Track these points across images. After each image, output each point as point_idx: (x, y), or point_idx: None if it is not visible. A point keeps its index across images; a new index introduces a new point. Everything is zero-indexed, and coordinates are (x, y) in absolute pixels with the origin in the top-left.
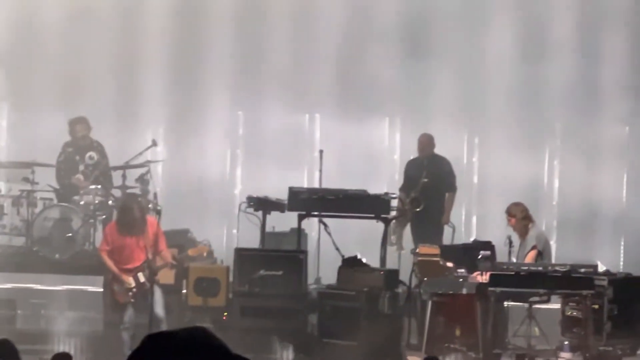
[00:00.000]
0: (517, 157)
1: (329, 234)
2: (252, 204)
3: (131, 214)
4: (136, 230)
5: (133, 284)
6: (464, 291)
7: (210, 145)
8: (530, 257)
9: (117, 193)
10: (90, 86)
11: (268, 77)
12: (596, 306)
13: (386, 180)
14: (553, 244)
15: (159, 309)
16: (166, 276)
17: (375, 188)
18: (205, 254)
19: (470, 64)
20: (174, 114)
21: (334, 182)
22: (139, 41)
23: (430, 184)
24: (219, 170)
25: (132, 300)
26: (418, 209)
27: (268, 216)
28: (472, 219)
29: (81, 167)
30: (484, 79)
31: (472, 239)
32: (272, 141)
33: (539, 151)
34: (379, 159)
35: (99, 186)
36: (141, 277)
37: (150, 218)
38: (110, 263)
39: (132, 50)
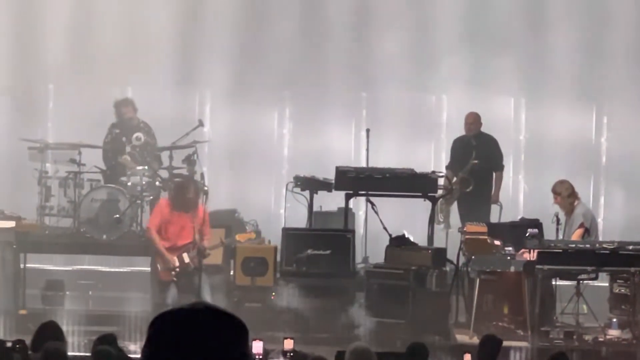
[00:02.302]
0: (566, 128)
1: (376, 213)
2: (299, 183)
3: (186, 192)
4: (188, 209)
5: (177, 263)
6: (512, 269)
7: (257, 124)
8: (577, 235)
9: (164, 174)
10: (140, 65)
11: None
12: None
13: (433, 158)
14: (600, 221)
15: (205, 292)
16: (214, 257)
17: (422, 166)
18: (253, 238)
19: None
20: (223, 93)
21: (381, 161)
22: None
23: (478, 164)
24: (266, 150)
25: (175, 279)
26: (467, 190)
27: (315, 195)
28: (519, 196)
29: (128, 148)
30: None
31: (519, 217)
32: (319, 119)
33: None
34: (426, 137)
35: (146, 167)
36: (186, 258)
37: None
38: (157, 240)
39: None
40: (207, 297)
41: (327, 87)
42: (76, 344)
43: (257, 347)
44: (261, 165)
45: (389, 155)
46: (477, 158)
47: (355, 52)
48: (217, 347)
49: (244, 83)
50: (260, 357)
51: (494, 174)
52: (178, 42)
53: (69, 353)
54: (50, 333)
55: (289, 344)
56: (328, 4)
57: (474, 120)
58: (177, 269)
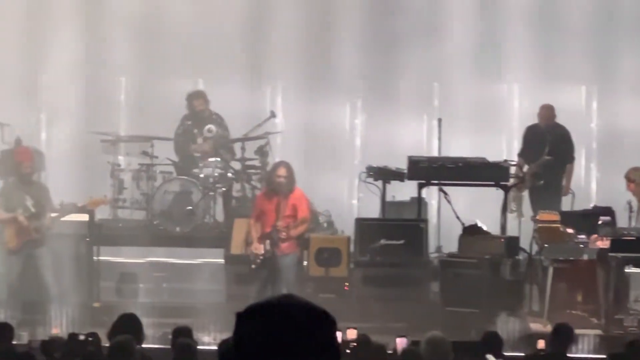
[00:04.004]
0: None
1: (449, 202)
2: (371, 173)
3: (278, 174)
4: (278, 190)
5: (261, 252)
6: (585, 257)
7: (330, 115)
8: None
9: (236, 165)
10: (212, 57)
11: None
12: None
13: (505, 146)
14: None
15: (282, 282)
16: (291, 246)
17: (494, 155)
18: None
19: None
20: (293, 84)
21: (453, 150)
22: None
23: (551, 160)
24: (339, 140)
25: (253, 266)
26: (539, 184)
27: (388, 185)
28: (591, 185)
29: (200, 140)
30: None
31: (591, 205)
32: (391, 109)
33: None
34: (497, 126)
35: (219, 158)
36: (268, 245)
37: (297, 190)
38: (252, 228)
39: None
40: (283, 288)
41: (399, 78)
42: (150, 336)
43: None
44: (334, 156)
45: (461, 145)
46: (550, 151)
47: (427, 43)
48: (307, 340)
49: (316, 74)
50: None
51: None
52: (250, 34)
53: (143, 345)
54: (130, 325)
55: (352, 334)
56: None
57: (547, 113)
58: (261, 257)
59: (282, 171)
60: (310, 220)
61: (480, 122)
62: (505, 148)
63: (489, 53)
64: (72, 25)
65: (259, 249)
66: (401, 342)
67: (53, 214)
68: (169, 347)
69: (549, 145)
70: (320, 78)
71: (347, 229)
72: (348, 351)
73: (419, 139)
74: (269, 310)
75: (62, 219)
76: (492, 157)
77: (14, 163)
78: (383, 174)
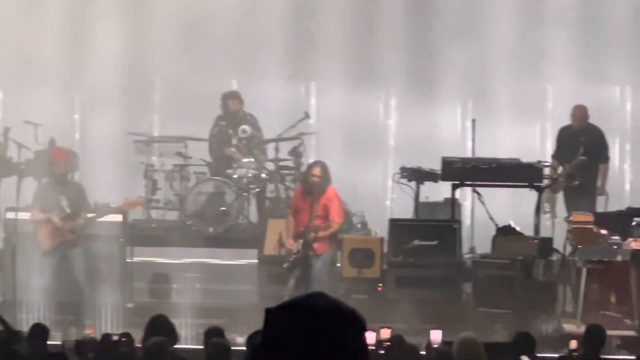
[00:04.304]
0: None
1: (483, 203)
2: (405, 174)
3: (312, 173)
4: (314, 191)
5: (294, 250)
6: (619, 258)
7: (363, 116)
8: None
9: (270, 166)
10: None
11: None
12: None
13: (538, 148)
14: None
15: (314, 282)
16: (323, 246)
17: (528, 156)
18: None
19: None
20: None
21: (486, 151)
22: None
23: (586, 160)
24: (372, 141)
25: (285, 265)
26: (573, 184)
27: (421, 186)
28: (625, 186)
29: (234, 141)
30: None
31: (625, 206)
32: (425, 110)
33: None
34: (531, 127)
35: (252, 159)
36: (300, 244)
37: (331, 189)
38: (289, 225)
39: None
40: (315, 288)
41: (433, 78)
42: (183, 336)
43: (369, 337)
44: (367, 157)
45: (494, 145)
46: (585, 152)
47: (462, 43)
48: (335, 339)
49: (350, 75)
50: (373, 347)
51: (600, 166)
52: (285, 34)
53: (176, 346)
54: (161, 326)
55: (385, 333)
56: None
57: (581, 113)
58: (294, 255)
59: (316, 171)
60: (341, 222)
61: (514, 123)
62: (539, 149)
63: (525, 54)
64: (108, 26)
65: (292, 247)
66: (436, 335)
67: (89, 215)
68: (202, 347)
69: (583, 145)
70: (354, 79)
71: (381, 229)
72: (382, 351)
73: (453, 139)
74: (298, 308)
75: (94, 215)
76: (525, 158)
77: (49, 163)
78: (417, 175)
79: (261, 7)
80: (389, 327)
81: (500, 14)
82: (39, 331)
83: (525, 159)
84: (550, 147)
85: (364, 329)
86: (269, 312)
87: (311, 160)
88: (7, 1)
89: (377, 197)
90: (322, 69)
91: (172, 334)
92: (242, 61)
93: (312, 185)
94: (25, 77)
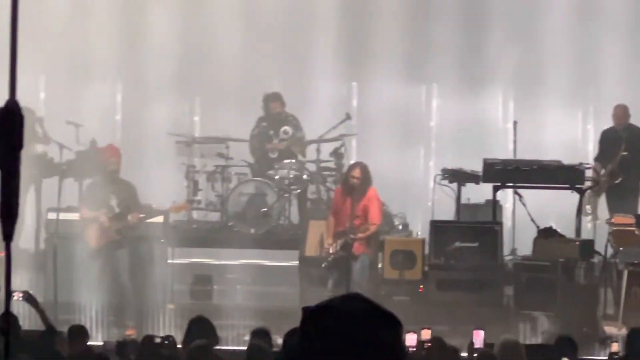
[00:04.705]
0: None
1: (524, 205)
2: (446, 176)
3: (352, 175)
4: (353, 192)
5: (332, 250)
6: None
7: (406, 117)
8: None
9: (311, 167)
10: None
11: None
12: None
13: (580, 150)
14: None
15: (354, 283)
16: (361, 247)
17: (569, 158)
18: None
19: None
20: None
21: (528, 152)
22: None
23: (628, 156)
24: (413, 142)
25: (324, 265)
26: (616, 182)
27: (463, 188)
28: None
29: (275, 142)
30: None
31: None
32: (466, 112)
33: None
34: (571, 130)
35: (294, 160)
36: (339, 245)
37: (371, 190)
38: (329, 225)
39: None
40: (355, 287)
41: (475, 79)
42: (224, 338)
43: (410, 339)
44: (409, 158)
45: (536, 147)
46: (627, 150)
47: (502, 47)
48: (371, 340)
49: (393, 74)
50: (414, 349)
51: None
52: (328, 35)
53: (217, 347)
54: (201, 328)
55: (426, 334)
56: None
57: (622, 113)
58: (331, 257)
59: (356, 172)
60: (379, 224)
61: (556, 124)
62: (581, 151)
63: (571, 56)
64: (152, 27)
65: (331, 246)
66: (478, 335)
67: (140, 215)
68: (243, 348)
69: (624, 142)
70: (396, 77)
71: (422, 231)
72: (422, 352)
73: (495, 141)
74: (335, 309)
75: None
76: (567, 160)
77: (101, 160)
78: (458, 177)
79: (306, 6)
80: (429, 328)
81: (550, 15)
82: (78, 332)
83: (567, 160)
84: (592, 148)
85: (400, 330)
86: (306, 311)
87: (352, 162)
88: (51, 6)
89: (418, 199)
90: (364, 68)
91: (212, 336)
92: (285, 62)
93: (352, 187)
94: (68, 78)
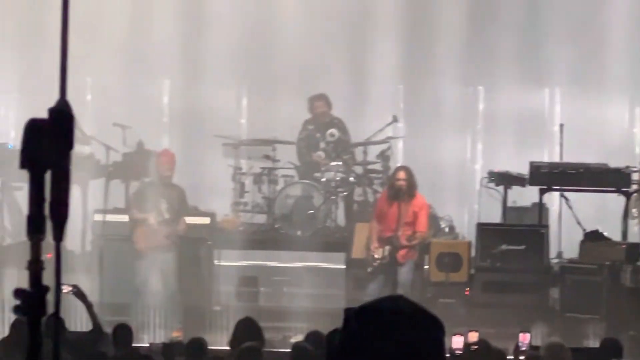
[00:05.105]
0: None
1: (570, 207)
2: (493, 178)
3: (397, 177)
4: (399, 197)
5: (379, 255)
6: None
7: (451, 120)
8: None
9: (358, 170)
10: (331, 62)
11: (506, 50)
12: None
13: (626, 153)
14: None
15: (401, 287)
16: (411, 252)
17: (616, 161)
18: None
19: None
20: (414, 89)
21: (574, 155)
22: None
23: None
24: (460, 145)
25: (370, 269)
26: None
27: (509, 191)
28: None
29: (322, 145)
30: None
31: None
32: (513, 115)
33: None
34: (618, 132)
35: (340, 163)
36: (386, 250)
37: (420, 197)
38: (372, 230)
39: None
40: (401, 293)
41: (520, 83)
42: (270, 340)
43: (457, 342)
44: (455, 160)
45: (582, 150)
46: None
47: (537, 49)
48: (413, 343)
49: (434, 80)
50: (461, 351)
51: None
52: (366, 38)
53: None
54: (248, 330)
55: (473, 337)
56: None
57: None
58: (378, 260)
59: (401, 174)
60: (426, 232)
61: (602, 128)
62: (626, 154)
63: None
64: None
65: (378, 252)
66: (524, 338)
67: (189, 220)
68: (288, 351)
69: None
70: (439, 84)
71: (469, 234)
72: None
73: (540, 144)
74: (377, 311)
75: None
76: (613, 163)
77: (156, 163)
78: (504, 179)
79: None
80: (476, 331)
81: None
82: (124, 332)
83: (614, 163)
84: (639, 152)
85: (442, 333)
86: (348, 312)
87: (398, 164)
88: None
89: (465, 201)
90: (410, 71)
91: (259, 338)
92: (328, 66)
93: (399, 189)
94: (113, 81)
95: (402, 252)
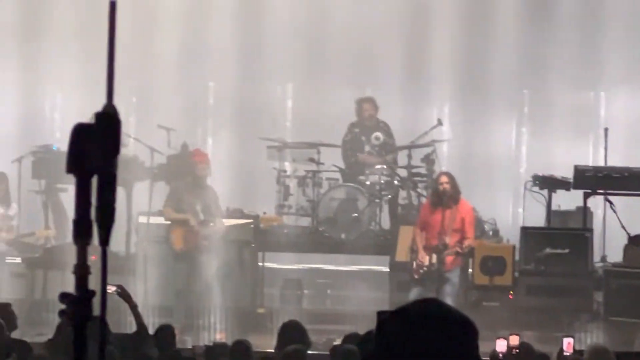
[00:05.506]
0: None
1: (615, 212)
2: (537, 182)
3: (440, 181)
4: (444, 203)
5: (425, 263)
6: None
7: (495, 123)
8: None
9: (402, 173)
10: (377, 66)
11: (554, 54)
12: None
13: None
14: None
15: (446, 294)
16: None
17: None
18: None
19: None
20: (459, 92)
21: (619, 159)
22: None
23: None
24: (504, 149)
25: (416, 276)
26: None
27: (553, 194)
28: None
29: (367, 148)
30: None
31: None
32: (557, 119)
33: None
34: None
35: (385, 166)
36: (434, 258)
37: (466, 203)
38: (417, 237)
39: (419, 28)
40: (448, 300)
41: (564, 87)
42: (313, 343)
43: (500, 345)
44: (500, 164)
45: (627, 154)
46: None
47: (585, 52)
48: (445, 344)
49: (481, 82)
50: (504, 355)
51: None
52: (417, 41)
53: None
54: (293, 333)
55: (514, 340)
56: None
57: None
58: (425, 268)
59: (444, 178)
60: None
61: None
62: None
63: None
64: (235, 31)
65: (424, 259)
66: (568, 342)
67: (233, 222)
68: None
69: None
70: (485, 87)
71: (513, 237)
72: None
73: (586, 148)
74: (411, 314)
75: (230, 224)
76: None
77: (191, 163)
78: (549, 183)
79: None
80: (517, 334)
81: (619, 21)
82: (167, 334)
83: None
84: None
85: (475, 336)
86: (381, 315)
87: (442, 168)
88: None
89: (509, 205)
90: (455, 76)
91: (304, 340)
92: (375, 68)
93: (442, 194)
94: (158, 82)
95: (449, 259)
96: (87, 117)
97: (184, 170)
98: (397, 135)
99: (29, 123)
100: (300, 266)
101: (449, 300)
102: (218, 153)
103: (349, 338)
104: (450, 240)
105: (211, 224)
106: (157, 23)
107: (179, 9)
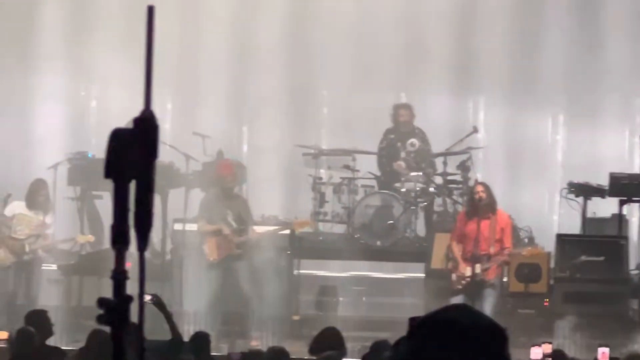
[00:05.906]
0: None
1: None
2: (573, 189)
3: (475, 190)
4: (480, 213)
5: (468, 273)
6: None
7: (533, 131)
8: None
9: (438, 180)
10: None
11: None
12: None
13: None
14: None
15: (487, 303)
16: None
17: None
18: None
19: None
20: (496, 97)
21: None
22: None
23: None
24: (540, 156)
25: (459, 287)
26: None
27: (589, 202)
28: None
29: (402, 154)
30: None
31: None
32: (592, 125)
33: None
34: None
35: (420, 173)
36: (477, 268)
37: (503, 213)
38: (455, 249)
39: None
40: (489, 308)
41: (601, 94)
42: (350, 349)
43: (536, 352)
44: (535, 171)
45: None
46: None
47: (629, 58)
48: (476, 352)
49: (518, 89)
50: None
51: None
52: (453, 48)
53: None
54: (330, 339)
55: (547, 348)
56: (604, 9)
57: None
58: (468, 279)
59: (479, 187)
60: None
61: None
62: None
63: None
64: (274, 39)
65: (466, 271)
66: (603, 353)
67: (259, 230)
68: None
69: None
70: (522, 93)
71: (548, 244)
72: None
73: (621, 155)
74: (442, 320)
75: (263, 232)
76: None
77: (216, 176)
78: (584, 190)
79: (427, 22)
80: (550, 342)
81: None
82: (202, 341)
83: None
84: None
85: (505, 343)
86: (412, 322)
87: (477, 175)
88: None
89: (544, 212)
90: (491, 83)
91: (341, 347)
92: (411, 75)
93: (479, 202)
94: (194, 89)
95: (491, 269)
96: (124, 123)
97: (213, 182)
98: (433, 142)
99: (65, 129)
100: (336, 273)
101: (490, 308)
102: (254, 160)
103: (377, 344)
104: (492, 250)
105: (244, 232)
106: (198, 30)
107: (221, 13)
